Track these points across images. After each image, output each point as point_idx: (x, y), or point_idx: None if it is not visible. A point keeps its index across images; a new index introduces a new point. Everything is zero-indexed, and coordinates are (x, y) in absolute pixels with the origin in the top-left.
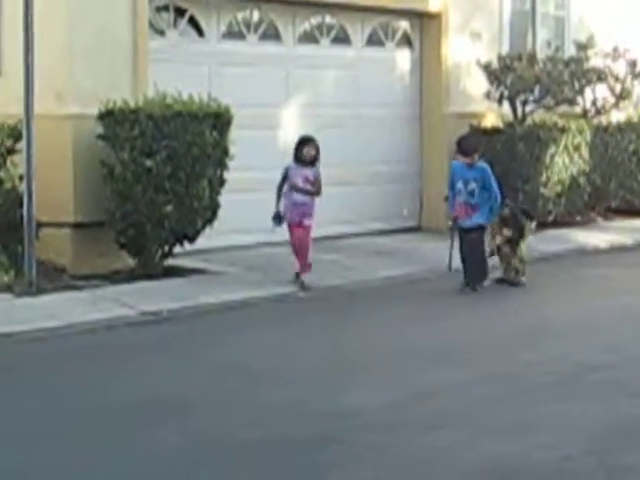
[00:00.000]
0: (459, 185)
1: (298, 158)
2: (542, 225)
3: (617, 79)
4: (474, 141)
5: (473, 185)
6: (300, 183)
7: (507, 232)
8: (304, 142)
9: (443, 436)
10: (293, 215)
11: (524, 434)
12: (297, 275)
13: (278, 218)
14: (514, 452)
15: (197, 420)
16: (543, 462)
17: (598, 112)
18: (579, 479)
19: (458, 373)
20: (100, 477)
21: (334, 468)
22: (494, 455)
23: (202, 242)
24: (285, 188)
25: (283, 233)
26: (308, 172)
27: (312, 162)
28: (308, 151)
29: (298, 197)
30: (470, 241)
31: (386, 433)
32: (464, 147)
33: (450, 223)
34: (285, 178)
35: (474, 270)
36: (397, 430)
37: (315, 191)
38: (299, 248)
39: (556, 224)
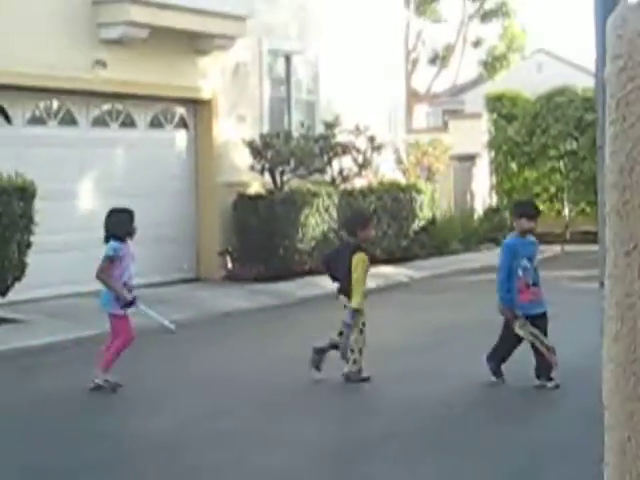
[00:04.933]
0: (524, 263)
1: (122, 237)
2: (300, 274)
3: (359, 152)
4: (534, 203)
5: (535, 261)
6: (132, 266)
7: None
8: (128, 216)
9: None
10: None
11: None
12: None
13: (129, 304)
14: None
15: None
16: None
17: (344, 179)
18: None
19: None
20: None
21: None
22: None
23: (12, 296)
24: (121, 275)
25: (86, 284)
26: (132, 248)
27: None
28: (134, 227)
29: (131, 282)
30: (545, 327)
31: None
32: (530, 209)
33: (518, 322)
34: (115, 262)
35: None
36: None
37: None
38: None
39: (311, 273)
